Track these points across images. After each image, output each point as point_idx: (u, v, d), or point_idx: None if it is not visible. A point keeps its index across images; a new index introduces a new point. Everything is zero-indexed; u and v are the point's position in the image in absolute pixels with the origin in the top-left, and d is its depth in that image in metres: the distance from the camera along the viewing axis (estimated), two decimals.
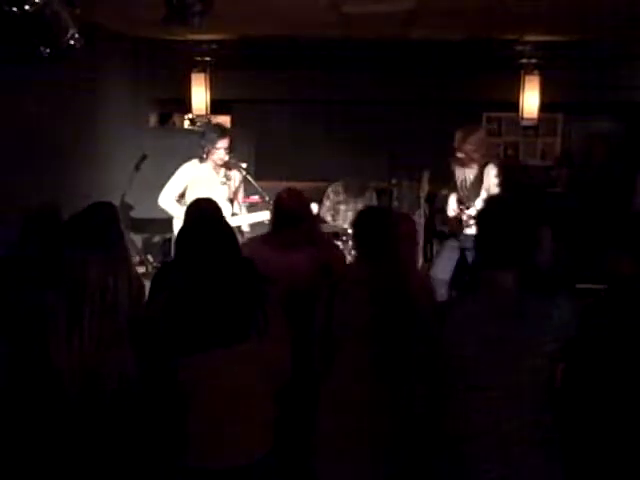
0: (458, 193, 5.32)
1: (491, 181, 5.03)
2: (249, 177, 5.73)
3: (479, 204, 5.02)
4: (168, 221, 5.27)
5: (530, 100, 6.77)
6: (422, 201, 5.56)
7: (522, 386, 2.26)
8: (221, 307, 2.41)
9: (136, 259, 5.09)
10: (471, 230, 5.18)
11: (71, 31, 3.41)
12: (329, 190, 6.56)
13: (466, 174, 5.29)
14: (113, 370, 2.29)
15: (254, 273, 2.55)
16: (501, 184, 3.58)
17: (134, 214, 6.07)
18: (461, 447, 2.30)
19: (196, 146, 5.28)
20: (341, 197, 6.51)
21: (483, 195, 5.04)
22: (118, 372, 2.30)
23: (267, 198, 5.35)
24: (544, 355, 2.26)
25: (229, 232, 2.60)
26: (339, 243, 5.19)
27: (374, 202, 6.40)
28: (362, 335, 2.78)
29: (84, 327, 2.26)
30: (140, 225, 6.12)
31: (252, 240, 3.93)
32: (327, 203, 6.55)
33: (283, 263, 3.27)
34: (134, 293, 2.59)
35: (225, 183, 5.24)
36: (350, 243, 4.87)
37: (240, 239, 3.77)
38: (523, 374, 2.26)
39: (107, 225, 2.58)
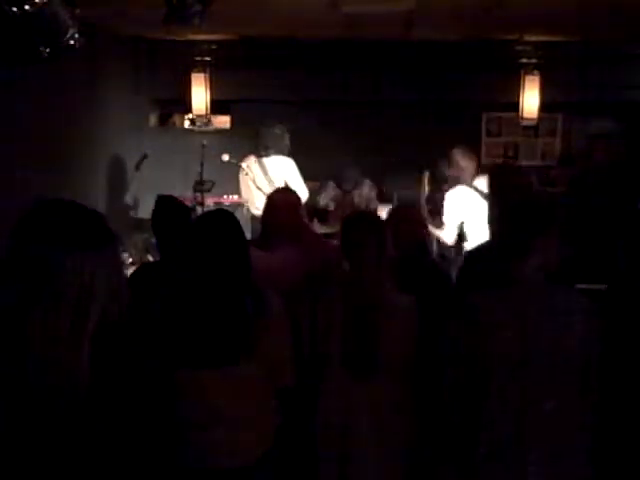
0: None
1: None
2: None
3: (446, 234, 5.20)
4: None
5: (530, 100, 6.76)
6: (422, 201, 5.56)
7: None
8: (210, 328, 2.39)
9: (136, 259, 5.09)
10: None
11: (71, 31, 3.41)
12: (328, 185, 6.59)
13: None
14: (62, 368, 2.25)
15: (252, 288, 2.52)
16: (491, 186, 3.58)
17: (134, 214, 6.08)
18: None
19: (198, 146, 5.36)
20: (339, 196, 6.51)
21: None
22: (67, 371, 2.26)
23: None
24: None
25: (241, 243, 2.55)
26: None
27: (373, 199, 6.39)
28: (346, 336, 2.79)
29: (48, 321, 2.23)
30: (140, 225, 6.13)
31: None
32: (322, 194, 6.56)
33: (266, 263, 3.26)
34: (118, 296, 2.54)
35: None
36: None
37: None
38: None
39: (89, 226, 2.50)
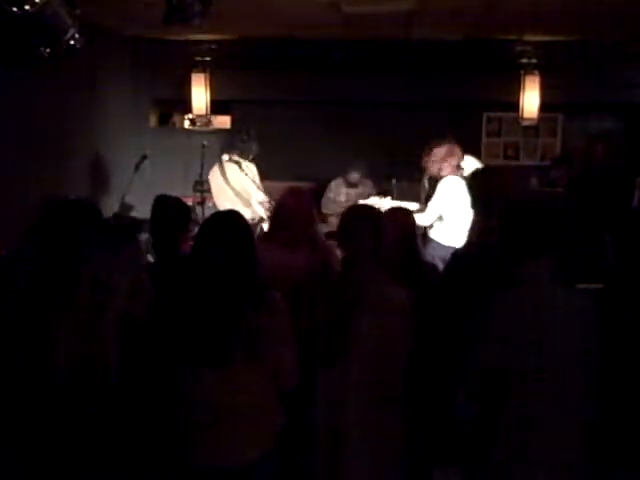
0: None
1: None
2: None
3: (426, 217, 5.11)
4: None
5: (530, 100, 6.77)
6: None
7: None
8: (211, 328, 2.39)
9: None
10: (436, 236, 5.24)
11: (71, 31, 3.41)
12: (332, 184, 6.59)
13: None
14: (96, 364, 2.28)
15: (256, 287, 2.50)
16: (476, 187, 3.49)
17: (134, 214, 6.06)
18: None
19: (198, 146, 5.35)
20: (342, 196, 6.50)
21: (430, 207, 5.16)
22: (101, 367, 2.29)
23: (267, 198, 5.38)
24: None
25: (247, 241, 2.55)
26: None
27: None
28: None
29: (70, 320, 2.25)
30: (140, 225, 6.12)
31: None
32: (330, 195, 6.57)
33: (282, 261, 3.29)
34: (134, 293, 2.56)
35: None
36: None
37: None
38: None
39: (111, 227, 2.56)
